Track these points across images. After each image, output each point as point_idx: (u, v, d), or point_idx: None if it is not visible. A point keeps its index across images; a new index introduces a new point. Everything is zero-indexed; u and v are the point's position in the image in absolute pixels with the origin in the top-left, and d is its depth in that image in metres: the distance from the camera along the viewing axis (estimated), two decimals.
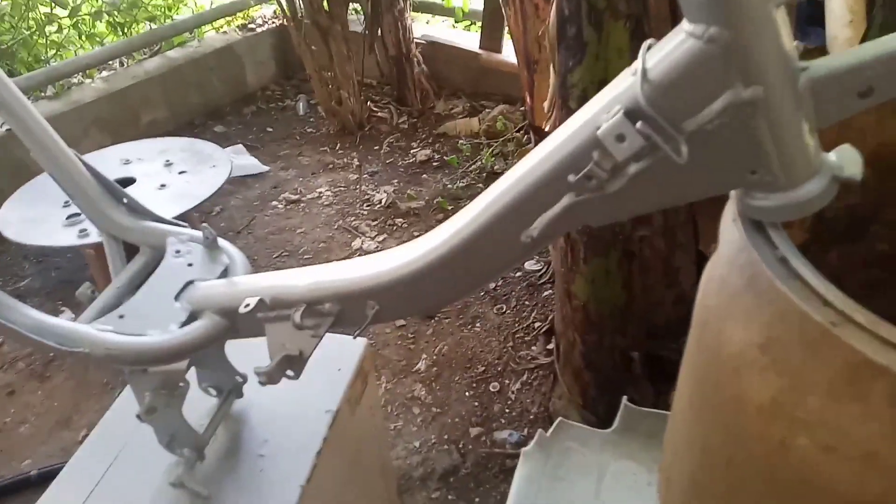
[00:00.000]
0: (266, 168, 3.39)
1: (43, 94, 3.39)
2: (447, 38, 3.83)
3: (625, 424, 1.30)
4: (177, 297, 0.93)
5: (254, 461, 1.13)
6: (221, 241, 1.02)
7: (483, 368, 2.15)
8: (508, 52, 3.59)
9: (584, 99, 1.30)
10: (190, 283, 0.95)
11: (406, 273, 0.75)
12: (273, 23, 4.27)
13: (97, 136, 3.38)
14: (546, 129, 1.56)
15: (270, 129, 3.80)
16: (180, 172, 2.47)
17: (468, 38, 3.85)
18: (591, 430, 1.31)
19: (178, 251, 1.01)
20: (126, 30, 3.85)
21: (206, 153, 2.62)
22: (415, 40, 3.69)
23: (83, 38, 3.74)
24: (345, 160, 3.45)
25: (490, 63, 3.52)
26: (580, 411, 1.80)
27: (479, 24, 4.15)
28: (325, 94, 3.58)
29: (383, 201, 3.04)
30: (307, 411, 1.22)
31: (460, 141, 3.33)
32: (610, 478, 1.24)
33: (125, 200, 1.07)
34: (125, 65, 3.88)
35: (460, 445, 1.92)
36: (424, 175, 3.26)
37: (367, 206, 3.06)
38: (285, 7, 3.36)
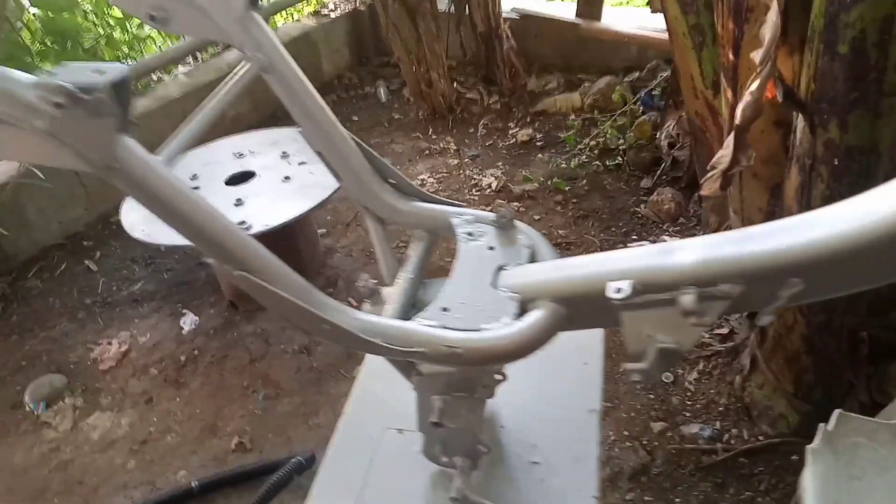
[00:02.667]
0: None
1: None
2: (540, 9, 3.63)
3: None
4: (493, 285, 0.78)
5: (529, 469, 0.99)
6: (516, 222, 0.88)
7: None
8: (607, 20, 3.39)
9: (860, 40, 1.12)
10: (500, 268, 0.80)
11: (871, 236, 0.58)
12: (345, 8, 4.13)
13: None
14: (753, 88, 1.37)
15: (356, 118, 3.67)
16: (300, 163, 2.34)
17: (561, 9, 3.65)
18: (877, 423, 1.14)
19: (469, 233, 0.86)
20: None
21: None
22: (503, 15, 3.51)
23: (160, 32, 3.64)
24: (440, 145, 3.29)
25: (590, 32, 3.32)
26: (790, 400, 1.62)
27: None
28: (413, 77, 3.43)
29: (493, 185, 2.88)
30: (568, 411, 1.07)
31: (570, 117, 3.15)
32: None
33: (392, 181, 0.94)
34: (198, 59, 3.78)
35: (644, 442, 1.76)
36: (530, 156, 3.09)
37: (477, 190, 2.90)
38: None
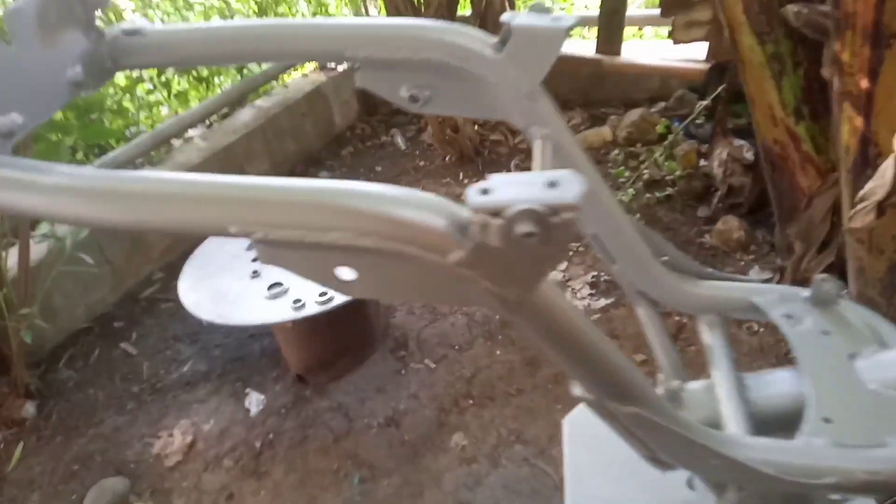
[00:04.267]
0: None
1: (141, 160, 3.12)
2: None
3: None
4: (861, 380, 0.66)
5: None
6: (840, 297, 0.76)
7: None
8: (628, 54, 3.39)
9: None
10: (852, 356, 0.68)
11: None
12: None
13: None
14: None
15: (379, 169, 3.56)
16: None
17: (577, 46, 3.65)
18: None
19: (788, 315, 0.74)
20: (209, 83, 3.62)
21: None
22: None
23: (170, 96, 3.49)
24: None
25: (613, 67, 3.32)
26: None
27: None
28: (437, 123, 3.36)
29: None
30: None
31: (613, 151, 3.11)
32: None
33: (665, 258, 0.81)
34: (206, 121, 3.64)
35: None
36: None
37: None
38: None
